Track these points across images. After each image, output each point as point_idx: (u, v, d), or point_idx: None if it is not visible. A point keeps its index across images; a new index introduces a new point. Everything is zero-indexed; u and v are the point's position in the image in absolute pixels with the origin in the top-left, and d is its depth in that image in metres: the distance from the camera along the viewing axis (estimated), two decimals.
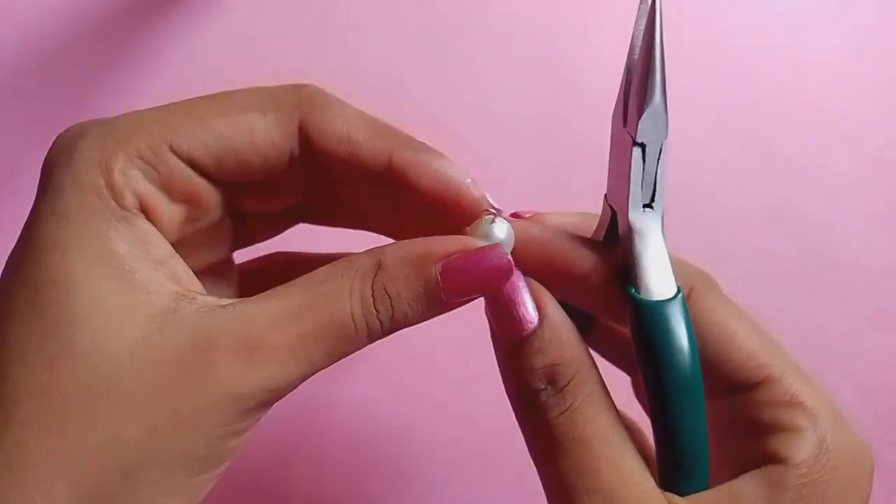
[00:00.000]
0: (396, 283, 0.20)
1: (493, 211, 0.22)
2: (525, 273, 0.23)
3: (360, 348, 0.21)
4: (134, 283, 0.19)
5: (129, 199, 0.19)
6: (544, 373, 0.22)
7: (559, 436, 0.21)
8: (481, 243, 0.21)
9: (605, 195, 0.24)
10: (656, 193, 0.22)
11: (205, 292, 0.21)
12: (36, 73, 0.47)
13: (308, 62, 0.48)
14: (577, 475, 0.21)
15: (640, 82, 0.21)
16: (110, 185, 0.19)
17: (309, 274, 0.21)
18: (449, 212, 0.22)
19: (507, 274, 0.21)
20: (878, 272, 0.49)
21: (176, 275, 0.20)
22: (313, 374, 0.20)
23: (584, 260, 0.24)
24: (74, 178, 0.19)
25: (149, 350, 0.18)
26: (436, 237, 0.21)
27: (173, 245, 0.21)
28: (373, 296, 0.20)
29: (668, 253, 0.22)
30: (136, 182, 0.20)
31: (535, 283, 0.22)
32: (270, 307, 0.19)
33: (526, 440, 0.24)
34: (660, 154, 0.22)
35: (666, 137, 0.22)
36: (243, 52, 0.48)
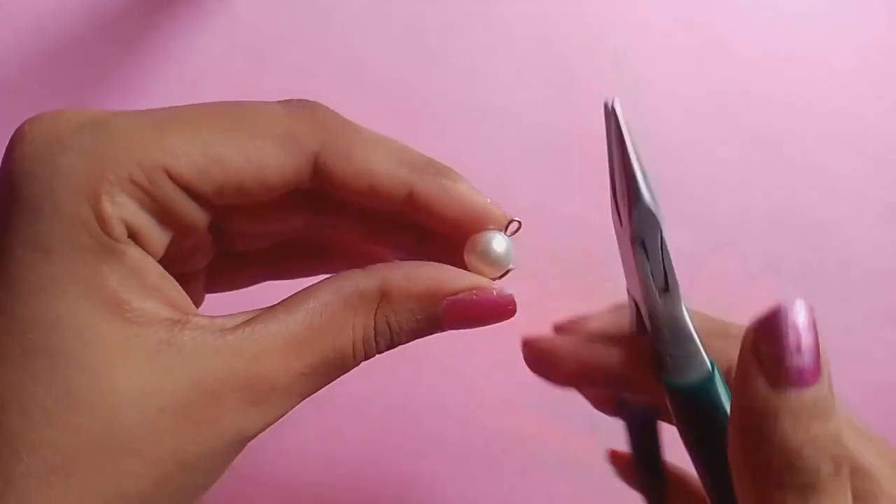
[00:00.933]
0: (400, 317, 0.20)
1: (516, 221, 0.22)
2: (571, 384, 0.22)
3: (351, 370, 0.20)
4: (127, 317, 0.17)
5: (119, 230, 0.18)
6: (828, 449, 0.18)
7: None
8: (486, 282, 0.21)
9: (627, 288, 0.25)
10: (668, 278, 0.22)
11: (195, 310, 0.20)
12: (40, 72, 0.47)
13: (313, 61, 0.48)
14: None
15: (624, 185, 0.22)
16: (99, 216, 0.17)
17: (310, 294, 0.20)
18: (468, 233, 0.22)
19: (510, 313, 0.21)
20: (879, 271, 0.49)
21: (169, 297, 0.19)
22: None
23: (618, 360, 0.24)
24: (56, 206, 0.17)
25: (151, 395, 0.17)
26: (442, 267, 0.21)
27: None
28: (375, 328, 0.20)
29: (694, 330, 0.22)
30: (126, 210, 0.18)
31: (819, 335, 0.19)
32: (273, 341, 0.18)
33: None
34: (661, 243, 0.22)
35: (662, 227, 0.22)
36: (249, 51, 0.48)
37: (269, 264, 0.26)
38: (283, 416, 0.19)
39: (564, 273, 0.48)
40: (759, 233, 0.49)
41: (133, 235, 0.18)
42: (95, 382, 0.17)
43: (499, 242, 0.22)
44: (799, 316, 0.19)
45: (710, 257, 0.48)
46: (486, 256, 0.21)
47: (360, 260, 0.23)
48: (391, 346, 0.20)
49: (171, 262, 0.21)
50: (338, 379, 0.21)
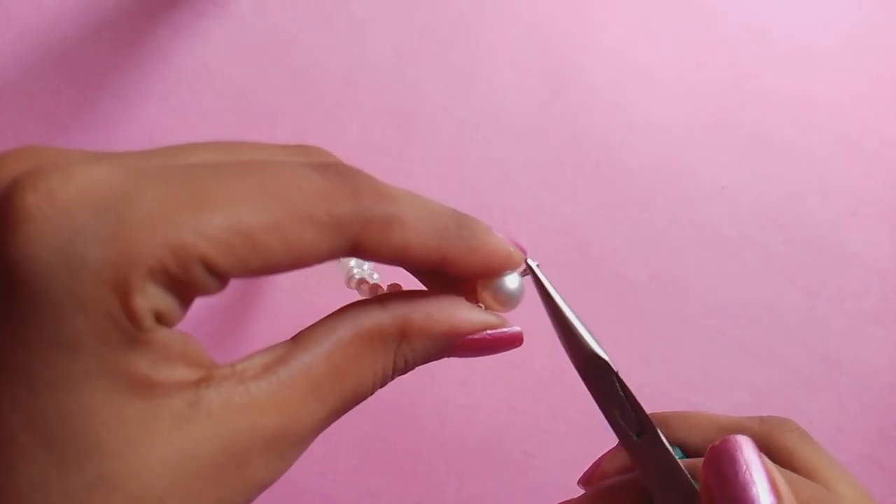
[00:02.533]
0: (416, 354, 0.21)
1: (527, 259, 0.23)
2: None
3: None
4: (155, 391, 0.17)
5: (149, 321, 0.17)
6: None
7: None
8: (501, 320, 0.22)
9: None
10: (640, 418, 0.23)
11: (213, 361, 0.20)
12: (39, 74, 0.47)
13: (310, 64, 0.48)
14: None
15: (565, 340, 0.23)
16: (128, 310, 0.16)
17: (328, 328, 0.20)
18: (490, 275, 0.23)
19: (518, 345, 0.22)
20: (878, 271, 0.49)
21: (189, 358, 0.18)
22: None
23: None
24: (81, 302, 0.16)
25: (180, 463, 0.17)
26: (459, 306, 0.22)
27: None
28: (393, 368, 0.21)
29: (682, 465, 0.22)
30: (156, 300, 0.17)
31: (769, 463, 0.20)
32: (296, 388, 0.19)
33: None
34: (621, 385, 0.22)
35: (616, 370, 0.23)
36: (246, 54, 0.48)
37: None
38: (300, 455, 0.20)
39: (563, 272, 0.48)
40: (757, 233, 0.49)
41: (159, 319, 0.17)
42: (125, 465, 0.16)
43: (511, 280, 0.23)
44: (745, 450, 0.20)
45: None
46: (499, 294, 0.23)
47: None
48: (402, 375, 0.21)
49: None
50: None
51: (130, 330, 0.16)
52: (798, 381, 0.47)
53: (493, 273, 0.23)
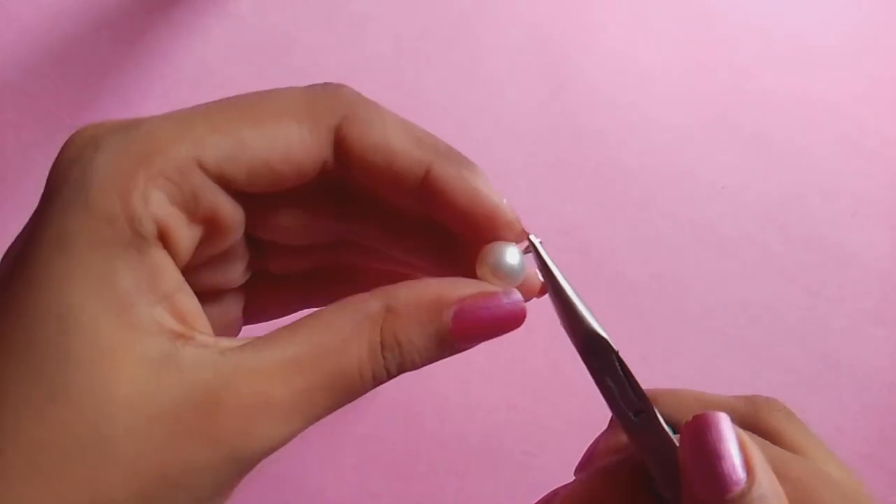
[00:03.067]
0: (407, 330, 0.19)
1: (530, 236, 0.22)
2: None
3: (362, 395, 0.20)
4: (132, 321, 0.17)
5: (148, 227, 0.17)
6: None
7: None
8: (494, 287, 0.20)
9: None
10: (639, 397, 0.22)
11: (208, 328, 0.20)
12: (39, 73, 0.47)
13: (309, 62, 0.48)
14: None
15: (566, 318, 0.22)
16: (127, 212, 0.17)
17: (315, 315, 0.19)
18: (479, 232, 0.21)
19: (521, 320, 0.20)
20: (877, 271, 0.49)
21: (179, 311, 0.19)
22: (312, 424, 0.19)
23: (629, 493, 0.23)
24: (87, 200, 0.17)
25: (143, 404, 0.17)
26: (448, 279, 0.20)
27: (183, 270, 0.19)
28: (381, 343, 0.19)
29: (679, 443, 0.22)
30: (157, 206, 0.18)
31: (745, 436, 0.20)
32: (274, 357, 0.18)
33: None
34: (620, 365, 0.22)
35: (615, 349, 0.22)
36: (245, 52, 0.48)
37: (302, 290, 0.25)
38: (285, 439, 0.18)
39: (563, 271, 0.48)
40: (757, 232, 0.49)
41: (162, 235, 0.18)
42: (89, 383, 0.16)
43: (511, 255, 0.21)
44: (721, 426, 0.20)
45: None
46: (498, 269, 0.21)
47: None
48: (402, 365, 0.20)
49: (204, 272, 0.21)
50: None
51: (126, 232, 0.17)
52: (798, 381, 0.47)
53: (481, 222, 0.21)
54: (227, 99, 0.20)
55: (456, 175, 0.21)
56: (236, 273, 0.23)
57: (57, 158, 0.19)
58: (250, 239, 0.23)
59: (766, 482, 0.20)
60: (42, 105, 0.47)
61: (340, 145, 0.20)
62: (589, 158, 0.48)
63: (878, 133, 0.50)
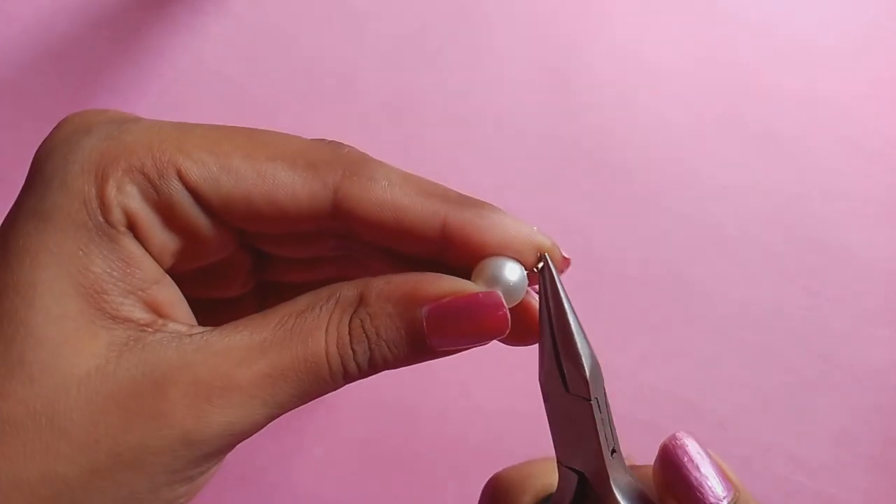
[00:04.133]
0: (376, 322, 0.18)
1: (564, 257, 0.20)
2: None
3: (334, 389, 0.19)
4: (101, 306, 0.17)
5: (117, 216, 0.17)
6: None
7: None
8: (477, 287, 0.19)
9: (560, 462, 0.22)
10: (615, 437, 0.21)
11: (191, 320, 0.19)
12: (36, 71, 0.47)
13: (308, 62, 0.48)
14: None
15: (569, 347, 0.20)
16: (100, 196, 0.17)
17: (290, 302, 0.19)
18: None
19: (502, 327, 0.18)
20: (879, 271, 0.49)
21: (155, 302, 0.18)
22: (279, 416, 0.18)
23: None
24: (65, 178, 0.17)
25: (101, 381, 0.17)
26: (429, 275, 0.19)
27: (170, 273, 0.19)
28: (350, 334, 0.18)
29: (640, 486, 0.22)
30: (129, 198, 0.18)
31: (717, 456, 0.20)
32: (240, 339, 0.18)
33: None
34: (606, 398, 0.21)
35: (604, 381, 0.21)
36: (243, 51, 0.48)
37: None
38: (244, 427, 0.18)
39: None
40: (759, 232, 0.49)
41: (133, 228, 0.18)
42: (50, 358, 0.16)
43: (511, 270, 0.19)
44: (690, 446, 0.20)
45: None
46: (495, 285, 0.19)
47: None
48: (373, 361, 0.19)
49: (197, 282, 0.20)
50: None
51: (98, 218, 0.17)
52: (799, 381, 0.47)
53: (514, 255, 0.20)
54: (231, 126, 0.19)
55: (476, 216, 0.19)
56: (235, 283, 0.23)
57: (48, 136, 0.19)
58: (254, 252, 0.22)
59: (747, 493, 0.20)
60: (40, 103, 0.46)
61: (340, 205, 0.19)
62: (592, 157, 0.48)
63: (881, 134, 0.50)
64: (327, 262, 0.23)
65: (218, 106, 0.47)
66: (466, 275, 0.20)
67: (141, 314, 0.18)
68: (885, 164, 0.50)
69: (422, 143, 0.47)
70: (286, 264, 0.23)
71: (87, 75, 0.47)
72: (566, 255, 0.21)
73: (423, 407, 0.44)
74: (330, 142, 0.20)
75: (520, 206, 0.47)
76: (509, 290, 0.19)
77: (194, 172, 0.18)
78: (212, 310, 0.22)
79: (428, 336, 0.18)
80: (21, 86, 0.46)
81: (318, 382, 0.18)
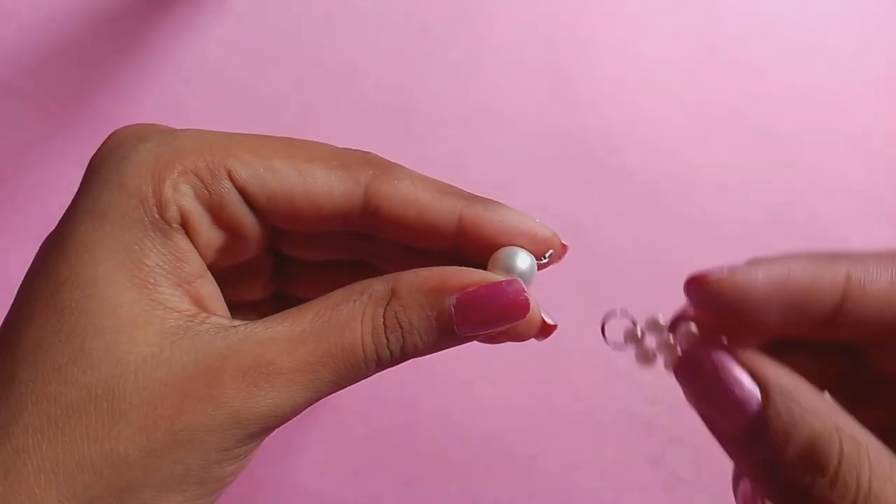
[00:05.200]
0: (409, 313, 0.20)
1: (563, 246, 0.23)
2: (725, 339, 0.19)
3: (368, 376, 0.20)
4: (154, 296, 0.19)
5: (172, 213, 0.19)
6: (803, 461, 0.17)
7: None
8: (500, 277, 0.21)
9: None
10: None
11: (228, 315, 0.21)
12: (37, 72, 0.47)
13: (310, 61, 0.48)
14: None
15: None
16: (157, 195, 0.19)
17: (324, 296, 0.21)
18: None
19: (524, 311, 0.21)
20: None
21: (199, 296, 0.20)
22: (318, 400, 0.20)
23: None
24: (122, 180, 0.19)
25: (156, 367, 0.18)
26: (453, 268, 0.21)
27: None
28: (384, 324, 0.20)
29: None
30: (184, 197, 0.20)
31: (744, 351, 0.19)
32: (281, 330, 0.19)
33: None
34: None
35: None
36: (245, 51, 0.48)
37: None
38: (287, 409, 0.19)
39: (565, 271, 0.47)
40: (760, 232, 0.49)
41: (185, 226, 0.20)
42: (109, 349, 0.18)
43: (522, 259, 0.22)
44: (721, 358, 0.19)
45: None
46: (510, 273, 0.22)
47: None
48: (405, 348, 0.20)
49: (225, 282, 0.22)
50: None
51: (154, 215, 0.19)
52: None
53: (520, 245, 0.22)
54: (265, 135, 0.22)
55: (487, 211, 0.22)
56: (256, 286, 0.25)
57: (101, 146, 0.21)
58: (277, 257, 0.24)
59: (789, 380, 0.18)
60: (40, 104, 0.46)
61: (371, 200, 0.21)
62: (592, 155, 0.48)
63: (882, 132, 0.50)
64: (342, 270, 0.25)
65: (220, 105, 0.47)
66: (479, 268, 0.22)
67: (188, 306, 0.19)
68: (885, 163, 0.50)
69: (423, 141, 0.47)
70: (303, 269, 0.25)
71: (88, 76, 0.47)
72: (564, 243, 0.24)
73: (425, 405, 0.44)
74: (357, 150, 0.22)
75: (520, 204, 0.47)
76: (523, 276, 0.22)
77: (243, 173, 0.20)
78: (232, 312, 0.23)
79: (456, 323, 0.20)
80: (21, 86, 0.46)
81: (353, 369, 0.20)
